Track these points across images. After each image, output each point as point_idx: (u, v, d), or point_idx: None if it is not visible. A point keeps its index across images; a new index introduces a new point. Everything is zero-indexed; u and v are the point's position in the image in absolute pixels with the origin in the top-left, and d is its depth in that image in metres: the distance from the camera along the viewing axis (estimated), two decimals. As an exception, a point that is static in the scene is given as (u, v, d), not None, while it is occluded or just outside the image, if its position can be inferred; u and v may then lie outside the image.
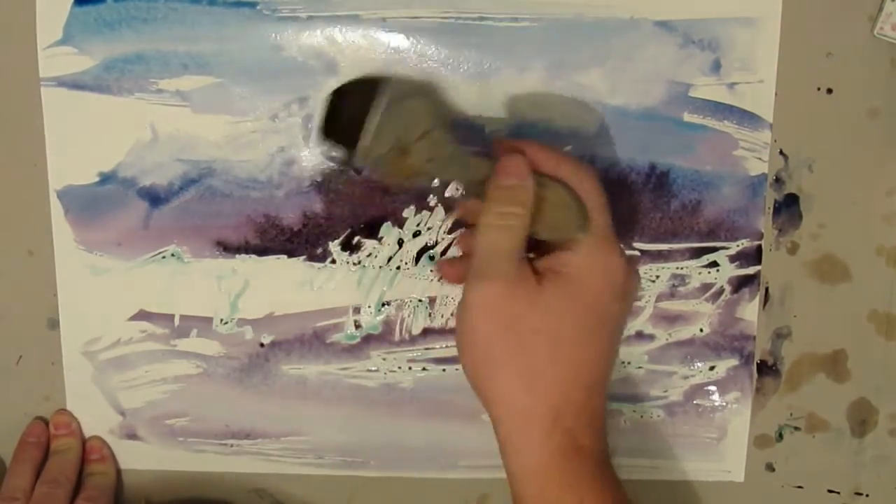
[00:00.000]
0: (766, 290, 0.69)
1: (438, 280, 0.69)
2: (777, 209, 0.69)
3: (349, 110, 0.62)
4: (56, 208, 0.68)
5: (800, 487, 0.72)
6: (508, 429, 0.57)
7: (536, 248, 0.60)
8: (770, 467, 0.72)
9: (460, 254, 0.66)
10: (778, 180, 0.68)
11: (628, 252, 0.68)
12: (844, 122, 0.68)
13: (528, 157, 0.59)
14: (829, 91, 0.67)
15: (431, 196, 0.68)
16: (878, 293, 0.70)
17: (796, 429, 0.72)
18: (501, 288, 0.56)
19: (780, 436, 0.72)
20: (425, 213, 0.68)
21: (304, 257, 0.69)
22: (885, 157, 0.68)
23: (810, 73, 0.67)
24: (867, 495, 0.73)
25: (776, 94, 0.67)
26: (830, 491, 0.73)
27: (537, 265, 0.58)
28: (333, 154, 0.65)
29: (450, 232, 0.68)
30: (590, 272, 0.58)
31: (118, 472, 0.72)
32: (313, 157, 0.67)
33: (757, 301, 0.69)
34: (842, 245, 0.69)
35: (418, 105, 0.61)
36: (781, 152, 0.68)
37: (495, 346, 0.57)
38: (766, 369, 0.71)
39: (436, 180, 0.67)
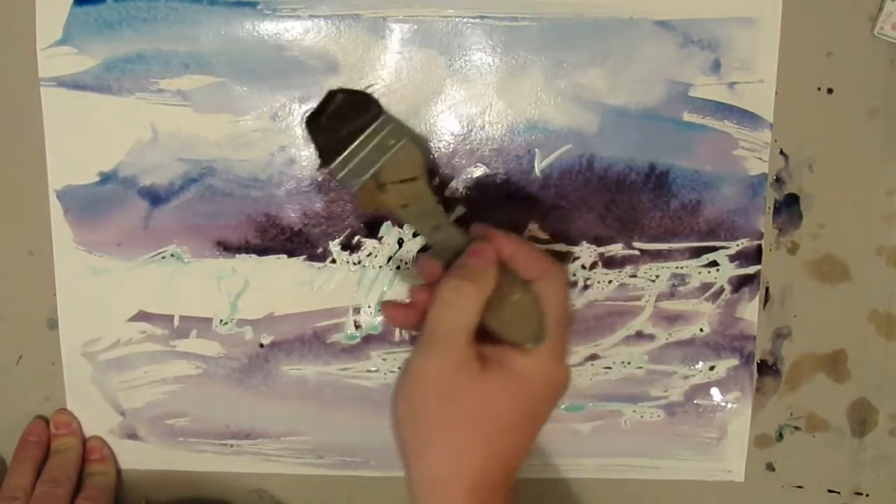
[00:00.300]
0: (766, 290, 0.69)
1: (387, 321, 0.70)
2: (777, 209, 0.69)
3: (340, 118, 0.64)
4: (55, 208, 0.68)
5: (800, 487, 0.72)
6: (427, 494, 0.58)
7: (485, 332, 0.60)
8: (770, 467, 0.72)
9: (407, 301, 0.64)
10: (778, 180, 0.68)
11: (628, 252, 0.68)
12: (844, 122, 0.68)
13: (504, 249, 0.59)
14: (830, 91, 0.67)
15: (431, 196, 0.68)
16: (878, 293, 0.70)
17: (796, 429, 0.72)
18: (446, 367, 0.57)
19: (780, 436, 0.72)
20: (425, 212, 0.68)
21: (304, 257, 0.69)
22: (885, 157, 0.68)
23: (810, 73, 0.67)
24: (867, 495, 0.73)
25: (776, 94, 0.67)
26: (830, 491, 0.73)
27: (484, 350, 0.58)
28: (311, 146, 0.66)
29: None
30: (535, 378, 0.58)
31: (118, 471, 0.72)
32: (313, 156, 0.67)
33: (757, 301, 0.69)
34: (842, 245, 0.69)
35: (411, 151, 0.63)
36: (781, 152, 0.68)
37: (430, 416, 0.57)
38: (766, 369, 0.71)
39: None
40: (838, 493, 0.73)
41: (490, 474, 0.57)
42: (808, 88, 0.67)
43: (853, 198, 0.69)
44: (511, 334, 0.58)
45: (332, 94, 0.65)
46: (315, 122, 0.65)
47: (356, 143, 0.63)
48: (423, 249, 0.68)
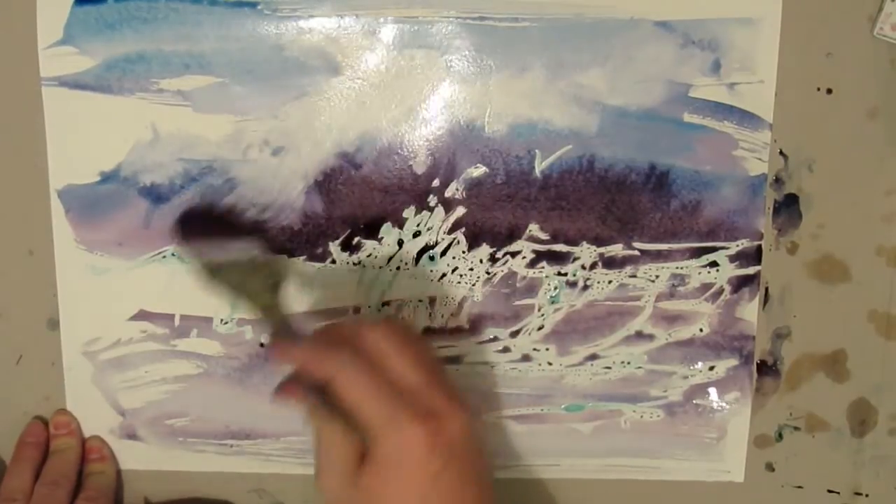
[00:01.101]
0: (766, 290, 0.70)
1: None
2: (777, 209, 0.69)
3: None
4: (56, 207, 0.68)
5: (800, 487, 0.72)
6: None
7: None
8: (770, 467, 0.72)
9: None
10: (778, 180, 0.68)
11: (628, 252, 0.68)
12: (844, 122, 0.68)
13: (299, 361, 0.58)
14: (829, 91, 0.67)
15: (432, 196, 0.68)
16: (878, 293, 0.70)
17: (796, 429, 0.72)
18: (336, 491, 0.56)
19: (780, 436, 0.72)
20: (425, 213, 0.68)
21: (304, 257, 0.69)
22: (885, 157, 0.68)
23: (810, 73, 0.67)
24: (867, 495, 0.73)
25: (776, 95, 0.67)
26: (830, 491, 0.73)
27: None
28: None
29: (450, 232, 0.68)
30: (386, 464, 0.55)
31: (118, 472, 0.72)
32: (314, 156, 0.67)
33: (757, 301, 0.69)
34: (842, 245, 0.69)
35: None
36: (781, 152, 0.68)
37: None
38: (766, 369, 0.71)
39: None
40: (838, 493, 0.73)
41: None
42: (807, 88, 0.67)
43: (853, 198, 0.69)
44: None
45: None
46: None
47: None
48: (424, 251, 0.68)
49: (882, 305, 0.70)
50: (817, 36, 0.67)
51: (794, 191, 0.68)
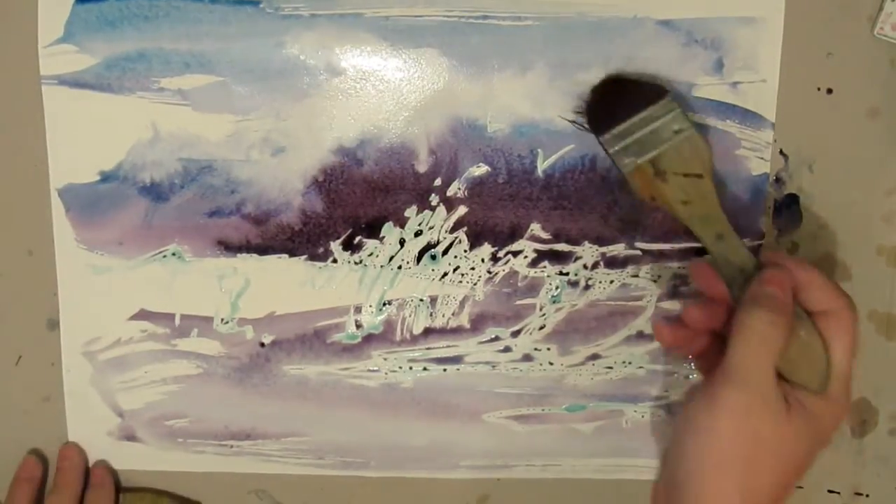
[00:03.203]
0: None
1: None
2: (777, 209, 0.69)
3: (625, 94, 0.63)
4: (57, 207, 0.68)
5: (800, 487, 0.72)
6: None
7: None
8: (770, 468, 0.72)
9: (681, 320, 0.63)
10: (778, 180, 0.68)
11: (630, 252, 0.68)
12: (844, 122, 0.68)
13: (798, 278, 0.58)
14: (829, 91, 0.67)
15: (433, 196, 0.68)
16: (878, 293, 0.70)
17: (796, 429, 0.72)
18: (757, 405, 0.55)
19: (780, 436, 0.72)
20: (427, 212, 0.68)
21: (305, 257, 0.69)
22: (885, 157, 0.68)
23: (811, 73, 0.67)
24: (867, 495, 0.73)
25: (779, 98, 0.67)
26: (830, 491, 0.73)
27: (783, 388, 0.57)
28: (578, 118, 0.66)
29: (451, 231, 0.68)
30: (831, 421, 0.57)
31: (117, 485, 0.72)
32: (315, 156, 0.67)
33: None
34: (842, 245, 0.69)
35: (698, 144, 0.61)
36: (782, 152, 0.68)
37: (732, 451, 0.55)
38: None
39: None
40: (838, 493, 0.73)
41: None
42: (808, 88, 0.67)
43: (853, 198, 0.69)
44: (795, 374, 0.57)
45: (616, 79, 0.65)
46: (597, 91, 0.65)
47: (634, 120, 0.61)
48: (425, 250, 0.68)
49: (882, 305, 0.70)
50: (818, 36, 0.67)
51: (794, 191, 0.68)
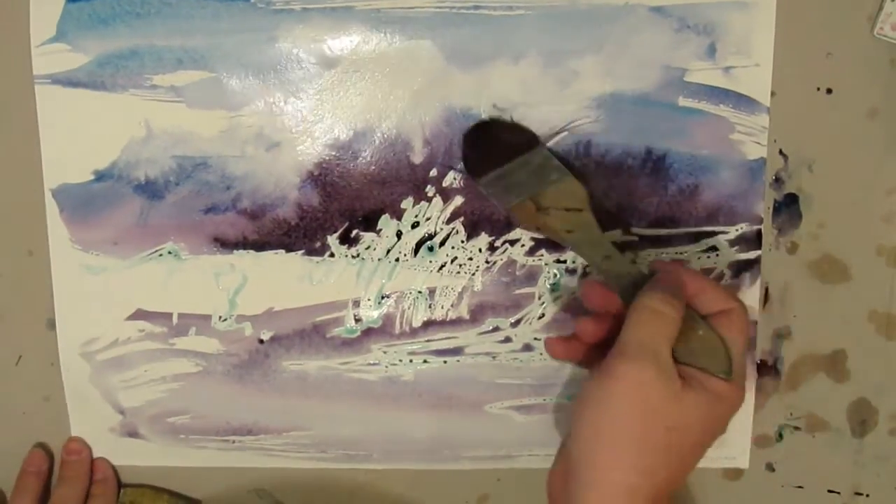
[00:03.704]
0: (766, 290, 0.69)
1: (541, 356, 0.70)
2: (777, 209, 0.68)
3: (497, 139, 0.66)
4: (51, 207, 0.68)
5: (800, 487, 0.72)
6: (603, 498, 0.56)
7: None
8: (770, 467, 0.72)
9: (571, 333, 0.64)
10: (778, 180, 0.68)
11: (626, 238, 0.68)
12: (844, 122, 0.68)
13: (689, 284, 0.60)
14: (829, 91, 0.67)
15: (430, 187, 0.67)
16: (878, 293, 0.70)
17: (796, 429, 0.72)
18: (650, 376, 0.56)
19: (780, 436, 0.72)
20: (424, 203, 0.68)
21: (302, 251, 0.68)
22: (885, 157, 0.68)
23: (810, 74, 0.67)
24: (867, 495, 0.73)
25: (775, 94, 0.67)
26: (830, 491, 0.73)
27: (680, 368, 0.57)
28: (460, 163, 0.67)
29: (448, 222, 0.68)
30: (728, 402, 0.58)
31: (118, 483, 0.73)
32: (309, 150, 0.67)
33: (758, 285, 0.69)
34: (842, 245, 0.69)
35: (574, 186, 0.63)
36: (781, 152, 0.68)
37: (627, 426, 0.56)
38: (766, 369, 0.71)
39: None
40: (838, 493, 0.73)
41: (668, 486, 0.57)
42: (807, 89, 0.67)
43: (853, 198, 0.69)
44: (702, 364, 0.58)
45: (488, 123, 0.66)
46: (472, 136, 0.66)
47: (509, 166, 0.64)
48: (422, 242, 0.68)
49: (882, 305, 0.70)
50: (817, 36, 0.67)
51: (794, 191, 0.68)
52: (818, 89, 0.67)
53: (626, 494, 0.55)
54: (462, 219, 0.68)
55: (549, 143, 0.67)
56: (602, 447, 0.56)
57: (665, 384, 0.56)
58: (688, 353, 0.58)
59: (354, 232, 0.68)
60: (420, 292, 0.69)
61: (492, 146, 0.66)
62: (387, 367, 0.70)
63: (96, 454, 0.72)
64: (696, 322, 0.58)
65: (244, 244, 0.68)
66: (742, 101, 0.67)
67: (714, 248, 0.68)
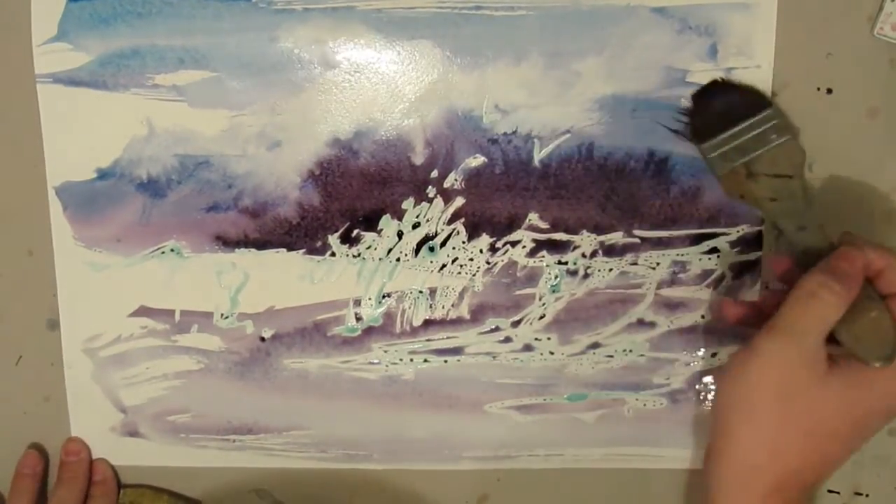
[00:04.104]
0: (766, 290, 0.69)
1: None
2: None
3: (727, 102, 0.65)
4: (55, 205, 0.68)
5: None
6: (729, 475, 0.57)
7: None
8: (771, 467, 0.72)
9: (752, 301, 0.66)
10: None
11: (628, 240, 0.68)
12: (844, 121, 0.67)
13: (875, 262, 0.58)
14: (829, 91, 0.67)
15: (430, 187, 0.67)
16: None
17: (796, 428, 0.72)
18: (795, 358, 0.56)
19: (781, 435, 0.72)
20: (424, 204, 0.68)
21: (303, 250, 0.69)
22: (885, 157, 0.68)
23: (810, 74, 0.67)
24: (867, 495, 0.72)
25: (776, 95, 0.66)
26: (830, 491, 0.72)
27: (832, 351, 0.57)
28: (680, 125, 0.66)
29: (449, 223, 0.68)
30: (878, 393, 0.57)
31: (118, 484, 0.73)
32: (311, 149, 0.67)
33: (758, 287, 0.69)
34: (842, 245, 0.69)
35: (792, 149, 0.63)
36: (781, 152, 0.68)
37: (764, 402, 0.56)
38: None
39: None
40: (838, 493, 0.72)
41: (799, 477, 0.57)
42: (807, 88, 0.67)
43: (853, 198, 0.68)
44: (860, 350, 0.57)
45: (719, 82, 0.66)
46: (700, 99, 0.66)
47: (735, 130, 0.63)
48: (423, 242, 0.68)
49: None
50: (817, 36, 0.66)
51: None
52: (818, 89, 0.67)
53: (747, 470, 0.56)
54: (463, 220, 0.68)
55: (550, 146, 0.67)
56: (734, 418, 0.57)
57: (808, 367, 0.56)
58: (852, 335, 0.57)
59: (355, 232, 0.68)
60: (421, 292, 0.69)
61: (719, 108, 0.65)
62: (387, 366, 0.70)
63: (96, 454, 0.72)
64: (873, 303, 0.58)
65: (245, 243, 0.69)
66: (744, 103, 0.66)
67: (715, 250, 0.68)
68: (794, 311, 0.57)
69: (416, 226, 0.68)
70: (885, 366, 0.57)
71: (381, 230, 0.68)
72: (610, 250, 0.69)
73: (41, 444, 0.72)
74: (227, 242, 0.69)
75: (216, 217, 0.68)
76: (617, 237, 0.68)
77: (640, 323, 0.70)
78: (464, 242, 0.68)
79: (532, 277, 0.69)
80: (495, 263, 0.69)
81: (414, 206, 0.68)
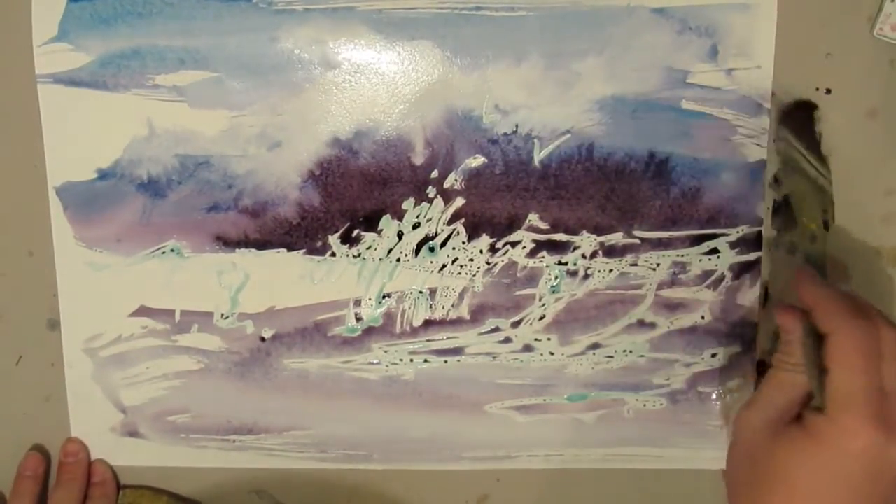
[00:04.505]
0: (766, 289, 0.69)
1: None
2: (777, 209, 0.68)
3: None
4: (55, 205, 0.68)
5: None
6: None
7: None
8: (770, 466, 0.72)
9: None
10: (777, 181, 0.68)
11: (628, 241, 0.68)
12: (844, 122, 0.67)
13: (804, 298, 0.59)
14: (829, 91, 0.67)
15: (431, 188, 0.67)
16: (878, 293, 0.70)
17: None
18: (755, 424, 0.59)
19: (781, 435, 0.72)
20: (425, 204, 0.68)
21: (303, 251, 0.69)
22: (885, 157, 0.68)
23: (809, 74, 0.67)
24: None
25: (776, 95, 0.66)
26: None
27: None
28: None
29: (449, 223, 0.68)
30: (828, 445, 0.55)
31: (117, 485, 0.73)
32: (311, 150, 0.67)
33: (758, 287, 0.69)
34: (842, 245, 0.69)
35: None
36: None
37: (738, 472, 0.59)
38: (766, 369, 0.70)
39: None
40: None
41: None
42: (807, 89, 0.67)
43: (853, 198, 0.68)
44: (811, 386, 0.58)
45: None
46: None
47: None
48: (423, 242, 0.68)
49: (882, 306, 0.69)
50: (816, 36, 0.66)
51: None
52: (818, 89, 0.67)
53: None
54: (463, 220, 0.68)
55: (550, 146, 0.67)
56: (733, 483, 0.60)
57: (765, 432, 0.58)
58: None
59: (355, 232, 0.68)
60: (421, 292, 0.69)
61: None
62: (387, 366, 0.70)
63: (96, 455, 0.72)
64: (809, 337, 0.58)
65: (246, 243, 0.69)
66: (744, 103, 0.66)
67: (715, 251, 0.68)
68: (763, 384, 0.61)
69: (416, 226, 0.68)
70: (819, 406, 0.56)
71: (382, 230, 0.68)
72: (610, 251, 0.69)
73: (41, 444, 0.72)
74: (228, 242, 0.69)
75: (216, 217, 0.68)
76: (617, 238, 0.68)
77: (641, 324, 0.70)
78: (464, 243, 0.68)
79: (532, 278, 0.69)
80: (495, 264, 0.69)
81: (414, 207, 0.68)
